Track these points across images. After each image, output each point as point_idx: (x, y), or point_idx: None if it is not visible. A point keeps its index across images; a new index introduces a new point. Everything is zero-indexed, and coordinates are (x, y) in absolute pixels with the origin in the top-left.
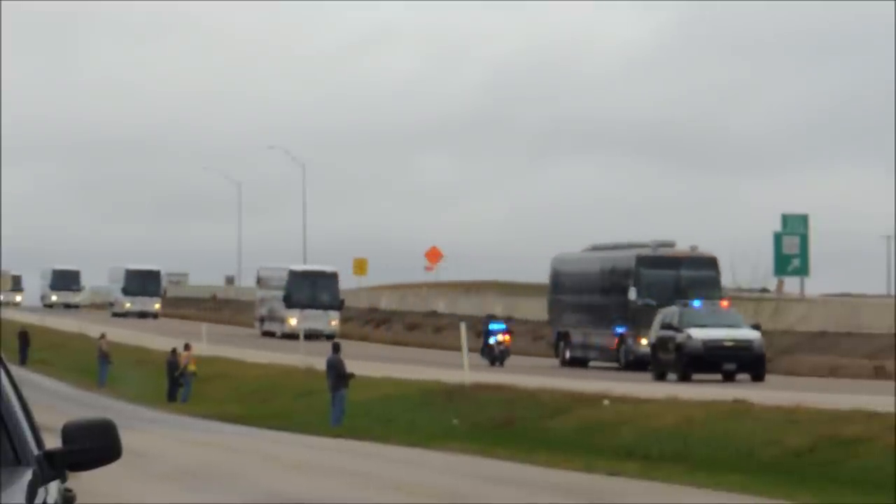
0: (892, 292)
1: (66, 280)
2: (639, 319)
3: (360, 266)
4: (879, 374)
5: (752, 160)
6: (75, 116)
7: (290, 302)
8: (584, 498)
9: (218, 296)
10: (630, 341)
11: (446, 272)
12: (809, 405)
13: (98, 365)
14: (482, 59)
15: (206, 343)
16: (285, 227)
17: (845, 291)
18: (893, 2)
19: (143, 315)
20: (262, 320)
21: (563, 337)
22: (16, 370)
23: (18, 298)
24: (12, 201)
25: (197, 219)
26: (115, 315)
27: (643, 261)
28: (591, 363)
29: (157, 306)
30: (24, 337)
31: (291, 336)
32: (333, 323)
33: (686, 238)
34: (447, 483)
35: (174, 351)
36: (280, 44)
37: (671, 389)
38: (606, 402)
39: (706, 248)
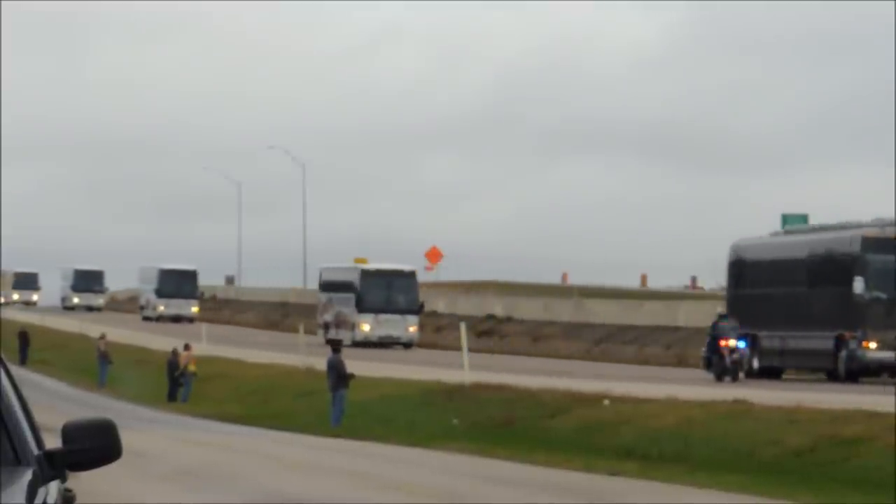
0: None
1: (88, 281)
2: (865, 317)
3: None
4: None
5: (753, 160)
6: (77, 116)
7: (362, 306)
8: (584, 498)
9: (218, 296)
10: (853, 345)
11: (446, 272)
12: (809, 405)
13: (98, 365)
14: (486, 59)
15: (205, 343)
16: (285, 227)
17: None
18: (893, 2)
19: (177, 319)
20: (326, 327)
21: (751, 341)
22: (16, 370)
23: (35, 297)
24: (14, 201)
25: (197, 219)
26: (147, 319)
27: (870, 244)
28: (786, 374)
29: (195, 309)
30: (24, 337)
31: (364, 344)
32: (412, 329)
33: (686, 238)
34: (447, 483)
35: (174, 351)
36: (282, 44)
37: (671, 390)
38: (606, 402)
39: (708, 248)
